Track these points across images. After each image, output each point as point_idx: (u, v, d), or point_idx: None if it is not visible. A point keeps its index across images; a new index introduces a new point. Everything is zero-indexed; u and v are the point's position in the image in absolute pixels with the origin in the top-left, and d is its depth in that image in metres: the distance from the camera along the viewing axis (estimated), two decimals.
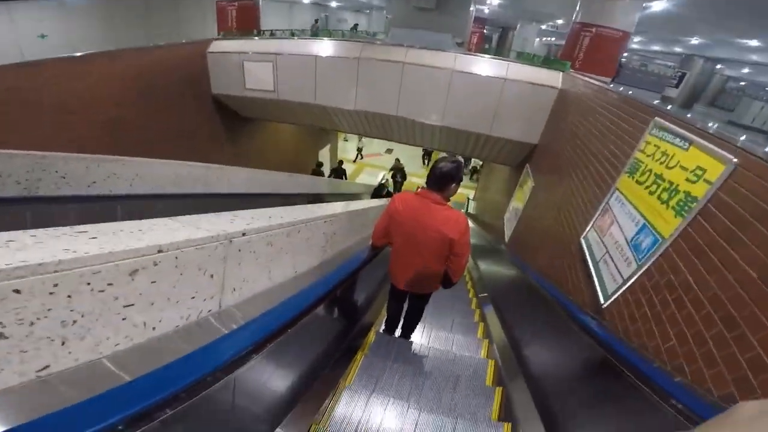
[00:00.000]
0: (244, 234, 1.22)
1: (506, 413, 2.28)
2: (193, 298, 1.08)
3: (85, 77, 4.89)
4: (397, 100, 5.91)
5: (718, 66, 16.00)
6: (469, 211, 12.73)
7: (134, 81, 5.66)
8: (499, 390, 2.45)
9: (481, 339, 3.45)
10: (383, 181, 11.39)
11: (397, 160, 12.66)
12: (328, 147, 13.81)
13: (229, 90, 7.16)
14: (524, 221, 4.95)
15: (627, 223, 2.13)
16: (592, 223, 2.62)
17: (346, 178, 14.04)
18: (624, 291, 1.93)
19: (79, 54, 4.94)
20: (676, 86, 15.67)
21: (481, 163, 17.08)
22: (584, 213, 2.88)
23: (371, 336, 2.90)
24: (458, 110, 5.69)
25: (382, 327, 3.13)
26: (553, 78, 5.26)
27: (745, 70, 14.82)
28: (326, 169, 13.33)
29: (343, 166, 13.42)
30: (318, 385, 2.07)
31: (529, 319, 3.10)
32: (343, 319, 2.66)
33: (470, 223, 10.00)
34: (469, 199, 13.65)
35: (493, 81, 5.41)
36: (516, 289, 3.86)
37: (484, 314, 4.17)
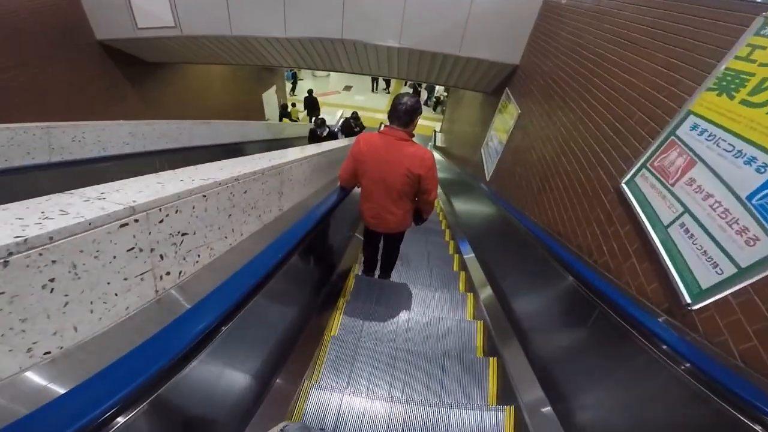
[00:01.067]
0: None
1: (489, 344, 2.33)
2: None
3: None
4: (342, 20, 4.56)
5: None
6: (437, 144, 11.76)
7: None
8: (480, 324, 2.49)
9: (457, 272, 3.45)
10: (338, 123, 9.62)
11: (355, 112, 10.46)
12: (273, 89, 12.01)
13: (118, 33, 5.45)
14: (511, 155, 4.11)
15: (734, 167, 1.26)
16: (641, 162, 1.75)
17: (319, 110, 13.80)
18: (743, 289, 1.12)
19: None
20: None
21: (445, 93, 15.85)
22: (619, 147, 2.00)
23: (350, 281, 2.86)
24: (419, 27, 4.44)
25: (361, 269, 3.10)
26: None
27: None
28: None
29: (314, 94, 13.23)
30: (304, 337, 2.00)
31: (515, 260, 2.90)
32: None
33: (439, 157, 9.19)
34: (435, 131, 12.60)
35: None
36: (500, 234, 3.45)
37: (459, 248, 4.12)
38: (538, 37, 4.04)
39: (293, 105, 13.43)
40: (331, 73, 16.92)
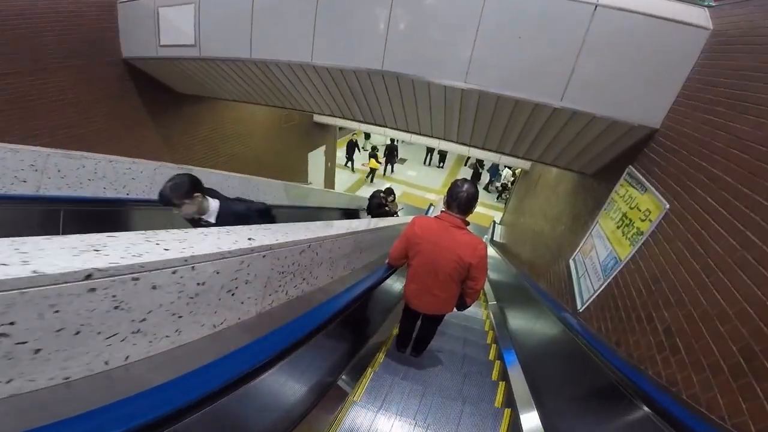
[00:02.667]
0: None
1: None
2: None
3: None
4: (384, 44, 3.23)
5: None
6: (494, 238, 9.84)
7: None
8: (502, 384, 2.59)
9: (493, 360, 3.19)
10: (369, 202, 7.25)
11: (390, 188, 7.58)
12: (322, 149, 11.18)
13: (142, 50, 4.79)
14: (641, 284, 2.24)
15: None
16: None
17: (398, 156, 15.01)
18: None
19: None
20: None
21: (512, 177, 14.11)
22: None
23: (381, 355, 2.84)
24: (499, 60, 2.88)
25: (394, 342, 3.03)
26: (695, 13, 2.53)
27: None
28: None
29: (369, 165, 14.40)
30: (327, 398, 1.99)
31: None
32: None
33: (496, 254, 6.78)
34: (495, 223, 10.73)
35: (572, 7, 2.64)
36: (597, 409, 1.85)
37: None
38: (703, 88, 2.31)
39: (377, 151, 14.72)
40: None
